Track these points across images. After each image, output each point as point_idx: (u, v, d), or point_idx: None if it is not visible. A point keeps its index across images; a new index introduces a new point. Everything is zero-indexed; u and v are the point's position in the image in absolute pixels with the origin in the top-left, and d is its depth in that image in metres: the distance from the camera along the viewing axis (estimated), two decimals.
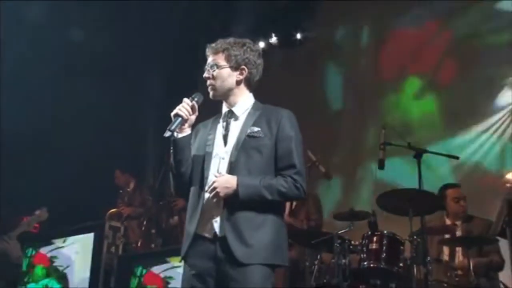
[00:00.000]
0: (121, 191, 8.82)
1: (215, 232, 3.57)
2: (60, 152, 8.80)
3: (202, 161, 3.71)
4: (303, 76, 10.39)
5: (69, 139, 8.97)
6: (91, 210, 8.39)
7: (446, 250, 6.64)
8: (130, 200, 8.56)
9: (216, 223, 3.58)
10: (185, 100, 3.65)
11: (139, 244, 8.17)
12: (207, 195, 3.63)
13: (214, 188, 3.51)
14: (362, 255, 6.14)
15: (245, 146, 3.68)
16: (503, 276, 6.34)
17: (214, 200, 3.55)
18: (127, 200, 8.61)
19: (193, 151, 3.75)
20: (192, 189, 3.73)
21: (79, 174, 8.89)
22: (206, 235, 3.60)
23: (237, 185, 3.51)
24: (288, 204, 7.48)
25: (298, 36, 10.46)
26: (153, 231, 8.20)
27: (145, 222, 8.32)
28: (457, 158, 6.53)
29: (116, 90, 9.48)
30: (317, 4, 10.60)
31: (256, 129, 3.70)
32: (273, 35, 10.48)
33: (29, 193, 8.04)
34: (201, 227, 3.63)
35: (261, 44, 9.93)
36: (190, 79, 8.93)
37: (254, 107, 3.82)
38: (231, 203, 3.56)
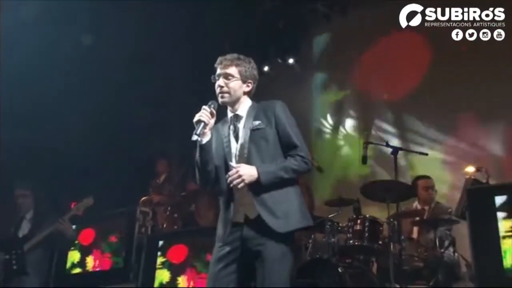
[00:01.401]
0: (154, 180, 8.78)
1: (246, 217, 3.64)
2: (102, 150, 8.68)
3: (224, 161, 3.76)
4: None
5: (112, 139, 8.97)
6: (126, 198, 8.26)
7: (416, 230, 6.80)
8: (160, 189, 8.49)
9: (247, 209, 3.64)
10: (204, 107, 3.67)
11: (164, 226, 8.13)
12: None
13: (240, 176, 3.56)
14: (348, 235, 6.37)
15: (253, 139, 3.72)
16: (462, 250, 6.34)
17: (240, 186, 3.57)
18: (157, 189, 8.53)
19: (215, 150, 3.79)
20: (221, 181, 3.76)
21: (118, 167, 8.80)
22: (240, 221, 3.66)
23: (258, 173, 3.56)
24: None
25: (291, 61, 10.24)
26: (175, 215, 8.16)
27: (169, 208, 8.21)
28: (426, 154, 6.78)
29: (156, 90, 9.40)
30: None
31: (257, 122, 3.75)
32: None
33: (77, 183, 7.96)
34: (236, 216, 3.68)
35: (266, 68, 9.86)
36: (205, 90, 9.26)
37: (251, 106, 3.87)
38: (256, 187, 3.60)
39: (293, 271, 6.39)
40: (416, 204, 7.07)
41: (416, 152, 6.77)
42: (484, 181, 6.38)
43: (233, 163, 3.69)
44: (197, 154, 3.73)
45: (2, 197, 7.17)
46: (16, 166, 7.72)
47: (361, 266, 6.44)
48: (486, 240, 5.36)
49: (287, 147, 3.71)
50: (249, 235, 3.60)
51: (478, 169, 6.58)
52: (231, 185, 3.59)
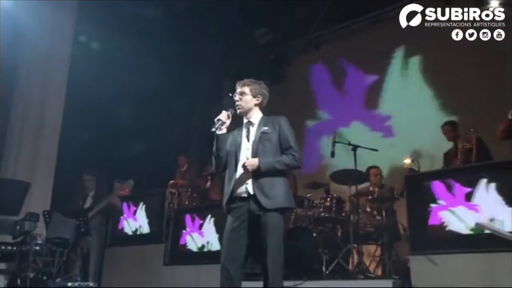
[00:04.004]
0: (179, 170, 8.58)
1: (248, 192, 3.74)
2: (141, 148, 8.69)
3: (235, 151, 3.87)
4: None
5: (154, 136, 8.99)
6: (158, 181, 8.34)
7: (368, 205, 6.82)
8: (183, 176, 8.44)
9: (249, 186, 3.75)
10: (224, 111, 3.86)
11: (186, 203, 8.14)
12: (240, 169, 3.78)
13: (249, 164, 3.72)
14: (320, 209, 6.59)
15: (261, 139, 3.84)
16: (401, 218, 6.45)
17: (248, 170, 3.71)
18: (182, 175, 8.47)
19: (229, 145, 3.90)
20: (229, 166, 3.87)
21: (153, 160, 8.80)
22: (243, 195, 3.76)
23: (260, 162, 3.72)
24: None
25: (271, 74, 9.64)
26: (194, 195, 8.17)
27: (190, 190, 8.22)
28: (376, 150, 6.78)
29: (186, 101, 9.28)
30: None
31: (266, 128, 3.87)
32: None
33: (124, 171, 7.86)
34: (237, 190, 3.78)
35: None
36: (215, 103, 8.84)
37: (262, 118, 3.98)
38: (256, 174, 3.73)
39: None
40: (369, 186, 7.17)
41: (369, 149, 6.73)
42: (416, 169, 6.53)
43: (242, 156, 3.84)
44: (214, 144, 3.88)
45: (74, 180, 7.28)
46: (84, 159, 7.79)
47: (330, 231, 6.61)
48: (417, 211, 5.51)
49: (285, 147, 3.84)
50: (254, 209, 3.71)
51: (412, 161, 6.71)
52: (244, 169, 3.73)
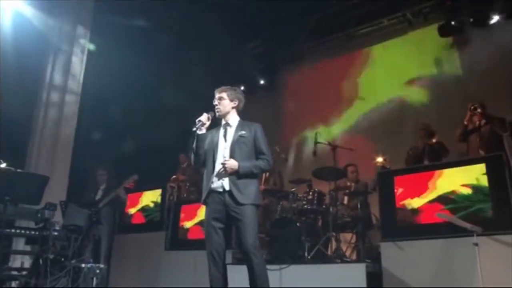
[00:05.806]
0: (180, 166, 8.62)
1: (224, 188, 3.81)
2: (147, 147, 8.80)
3: (213, 149, 3.92)
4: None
5: (159, 137, 8.91)
6: (160, 176, 8.29)
7: (346, 198, 7.00)
8: (184, 172, 8.52)
9: (225, 183, 3.81)
10: (205, 113, 3.93)
11: (185, 196, 8.22)
12: (219, 167, 3.83)
13: (229, 164, 3.80)
14: (303, 202, 6.61)
15: (238, 142, 3.90)
16: (374, 210, 6.41)
17: (227, 170, 3.80)
18: (182, 171, 8.54)
19: (207, 143, 3.95)
20: (207, 164, 3.92)
21: (157, 158, 8.73)
22: (219, 190, 3.82)
23: (239, 166, 3.81)
24: (263, 177, 7.66)
25: (262, 82, 10.25)
26: (192, 189, 8.18)
27: (188, 184, 8.32)
28: (353, 150, 6.95)
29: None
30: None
31: (243, 132, 3.92)
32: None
33: (129, 165, 7.87)
34: (215, 185, 3.84)
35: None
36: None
37: (239, 122, 4.04)
38: (234, 173, 3.82)
39: (268, 225, 6.75)
40: (346, 182, 7.19)
41: (347, 148, 6.91)
42: (388, 166, 6.61)
43: (219, 154, 3.90)
44: (194, 142, 3.90)
45: (87, 175, 7.39)
46: (97, 156, 7.86)
47: (312, 221, 6.64)
48: (387, 204, 5.58)
49: (259, 152, 3.96)
50: (229, 202, 3.79)
51: (384, 159, 6.77)
52: (222, 168, 3.80)
